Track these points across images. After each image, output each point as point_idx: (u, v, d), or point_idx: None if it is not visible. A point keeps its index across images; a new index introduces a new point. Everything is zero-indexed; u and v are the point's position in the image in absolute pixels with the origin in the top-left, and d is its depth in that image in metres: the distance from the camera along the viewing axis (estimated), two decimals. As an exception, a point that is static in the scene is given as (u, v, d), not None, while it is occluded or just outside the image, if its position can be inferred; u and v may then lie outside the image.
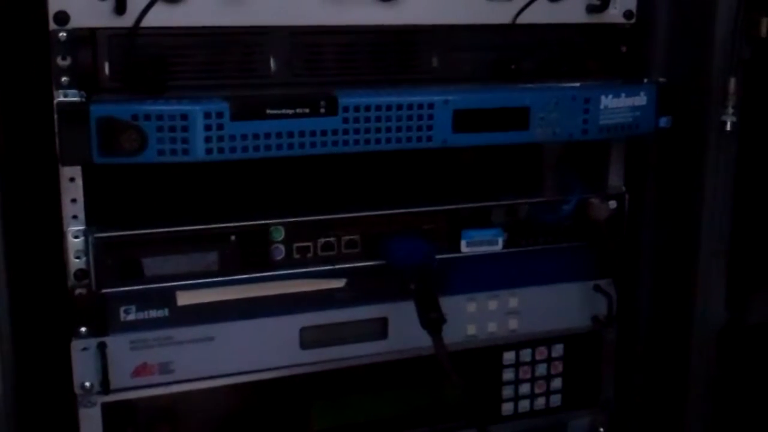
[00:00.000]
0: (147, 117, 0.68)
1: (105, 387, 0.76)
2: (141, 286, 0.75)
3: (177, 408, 0.80)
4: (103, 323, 0.76)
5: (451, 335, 0.81)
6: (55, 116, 0.68)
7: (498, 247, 0.85)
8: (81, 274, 0.75)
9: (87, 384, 0.76)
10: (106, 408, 0.77)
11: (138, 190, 0.81)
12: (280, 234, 0.79)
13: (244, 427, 0.82)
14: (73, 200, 0.74)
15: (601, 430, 0.94)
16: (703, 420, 0.93)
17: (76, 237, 0.74)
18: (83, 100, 0.69)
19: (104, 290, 0.75)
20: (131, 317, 0.77)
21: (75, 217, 0.74)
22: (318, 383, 0.84)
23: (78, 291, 0.75)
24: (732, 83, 0.85)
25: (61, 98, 0.70)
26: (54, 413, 0.82)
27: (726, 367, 0.92)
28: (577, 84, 0.84)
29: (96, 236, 0.74)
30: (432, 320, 0.76)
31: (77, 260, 0.75)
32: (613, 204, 0.88)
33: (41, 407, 0.83)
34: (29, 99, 0.80)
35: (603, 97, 0.82)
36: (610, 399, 0.94)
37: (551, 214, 0.86)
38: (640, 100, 0.83)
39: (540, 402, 0.92)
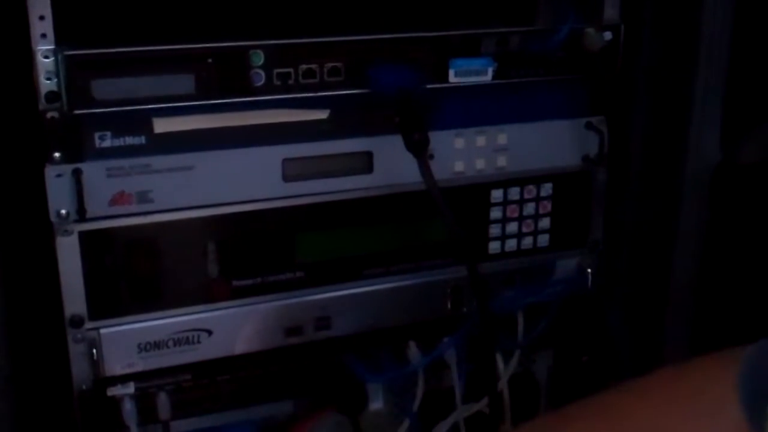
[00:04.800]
0: None
1: (81, 214, 0.74)
2: (115, 108, 0.73)
3: (157, 239, 0.78)
4: (78, 149, 0.73)
5: (438, 172, 0.78)
6: None
7: (487, 77, 0.82)
8: (52, 96, 0.71)
9: (63, 211, 0.74)
10: (84, 236, 0.75)
11: (111, 8, 0.77)
12: (259, 58, 0.75)
13: (225, 259, 0.80)
14: (41, 17, 0.70)
15: (589, 271, 0.93)
16: (693, 262, 0.92)
17: (46, 57, 0.71)
18: None
19: (76, 111, 0.72)
20: (107, 144, 0.74)
21: (44, 35, 0.71)
22: (301, 217, 0.82)
23: (50, 114, 0.72)
24: None
25: None
26: (32, 242, 0.80)
27: (718, 209, 0.91)
28: None
29: (66, 54, 0.70)
30: (416, 141, 0.74)
31: (48, 82, 0.71)
32: (608, 35, 0.84)
33: (19, 236, 0.81)
34: None
35: None
36: (599, 240, 0.93)
37: (543, 43, 0.82)
38: None
39: (527, 241, 0.91)
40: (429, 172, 0.74)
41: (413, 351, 0.87)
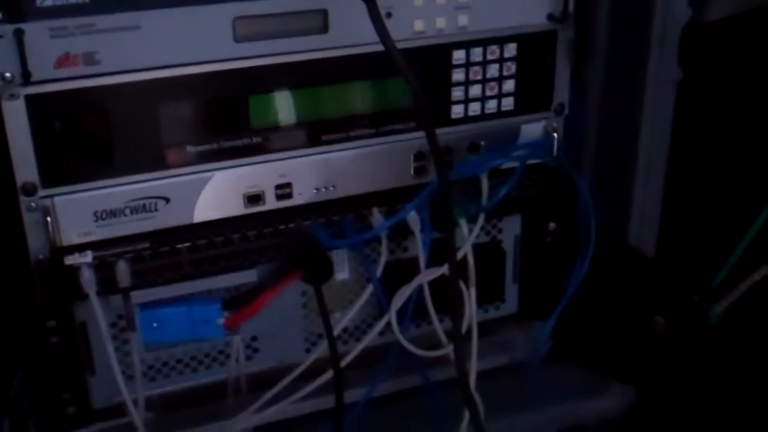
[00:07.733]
0: None
1: (26, 77, 0.72)
2: (51, -41, 0.70)
3: (107, 102, 0.76)
4: (18, 8, 0.71)
5: (396, 32, 0.75)
6: None
7: (445, -75, 0.79)
8: (-13, -52, 0.69)
9: (7, 75, 0.72)
10: (30, 100, 0.74)
11: None
12: None
13: (177, 124, 0.79)
14: None
15: (555, 135, 0.91)
16: (663, 124, 0.90)
17: None
18: None
19: (11, -36, 0.69)
20: (48, 3, 0.72)
21: None
22: (255, 79, 0.80)
23: (-16, -31, 0.70)
24: None
25: None
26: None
27: (688, 69, 0.88)
28: None
29: None
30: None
31: (-22, -68, 0.69)
32: None
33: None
34: None
35: None
36: (564, 103, 0.91)
37: None
38: None
39: (491, 105, 0.89)
40: (380, 20, 0.71)
41: (376, 216, 0.86)
